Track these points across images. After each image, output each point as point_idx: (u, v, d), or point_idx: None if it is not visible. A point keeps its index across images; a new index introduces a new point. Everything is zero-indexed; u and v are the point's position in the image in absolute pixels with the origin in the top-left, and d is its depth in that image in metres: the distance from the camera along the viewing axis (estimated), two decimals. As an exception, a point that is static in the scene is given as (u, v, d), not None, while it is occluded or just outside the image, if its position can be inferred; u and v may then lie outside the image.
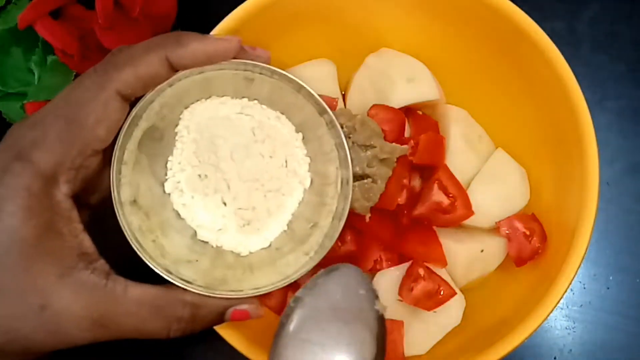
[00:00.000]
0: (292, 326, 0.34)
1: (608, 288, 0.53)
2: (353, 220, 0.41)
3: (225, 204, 0.39)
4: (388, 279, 0.43)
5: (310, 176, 0.40)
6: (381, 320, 0.35)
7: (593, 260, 0.53)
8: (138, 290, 0.32)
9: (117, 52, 0.33)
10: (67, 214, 0.31)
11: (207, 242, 0.39)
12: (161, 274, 0.35)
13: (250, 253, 0.39)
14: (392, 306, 0.41)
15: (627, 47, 0.57)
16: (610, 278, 0.53)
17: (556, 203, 0.43)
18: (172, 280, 0.35)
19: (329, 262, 0.38)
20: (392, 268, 0.43)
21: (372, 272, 0.44)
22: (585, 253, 0.38)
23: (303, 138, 0.40)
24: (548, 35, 0.40)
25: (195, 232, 0.39)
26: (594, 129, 0.39)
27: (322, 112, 0.39)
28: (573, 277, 0.38)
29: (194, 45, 0.33)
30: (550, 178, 0.44)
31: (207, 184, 0.38)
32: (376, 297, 0.36)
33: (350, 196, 0.39)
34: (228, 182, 0.38)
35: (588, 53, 0.57)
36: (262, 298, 0.42)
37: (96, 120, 0.32)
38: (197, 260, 0.38)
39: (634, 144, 0.55)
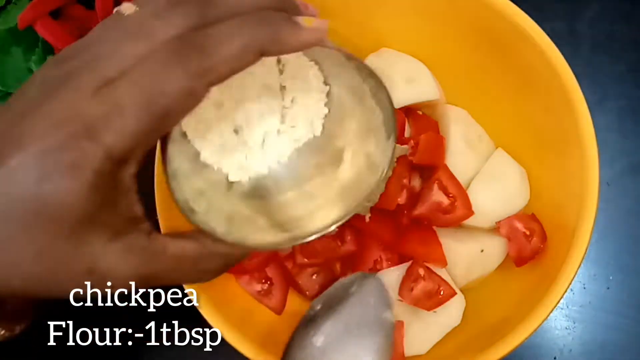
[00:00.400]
0: (307, 336, 0.35)
1: (608, 288, 0.52)
2: (353, 220, 0.41)
3: (236, 132, 0.38)
4: (388, 279, 0.43)
5: (323, 124, 0.40)
6: (392, 327, 0.36)
7: (593, 260, 0.53)
8: (176, 247, 0.32)
9: (201, 35, 0.29)
10: (128, 189, 0.31)
11: (208, 165, 0.38)
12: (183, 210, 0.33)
13: (250, 179, 0.39)
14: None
15: (627, 47, 0.57)
16: (610, 278, 0.53)
17: (556, 203, 0.43)
18: (192, 220, 0.33)
19: (328, 262, 0.39)
20: (392, 268, 0.43)
21: (372, 272, 0.44)
22: (585, 253, 0.38)
23: (329, 92, 0.40)
24: (548, 35, 0.40)
25: (199, 153, 0.38)
26: (594, 129, 0.39)
27: (349, 57, 0.38)
28: (573, 277, 0.38)
29: (290, 41, 0.31)
30: (550, 178, 0.44)
31: (223, 113, 0.38)
32: (389, 305, 0.37)
33: (392, 149, 0.35)
34: (249, 120, 0.38)
35: (588, 53, 0.57)
36: (263, 297, 0.42)
37: (182, 111, 0.30)
38: (202, 189, 0.37)
39: (634, 144, 0.55)
